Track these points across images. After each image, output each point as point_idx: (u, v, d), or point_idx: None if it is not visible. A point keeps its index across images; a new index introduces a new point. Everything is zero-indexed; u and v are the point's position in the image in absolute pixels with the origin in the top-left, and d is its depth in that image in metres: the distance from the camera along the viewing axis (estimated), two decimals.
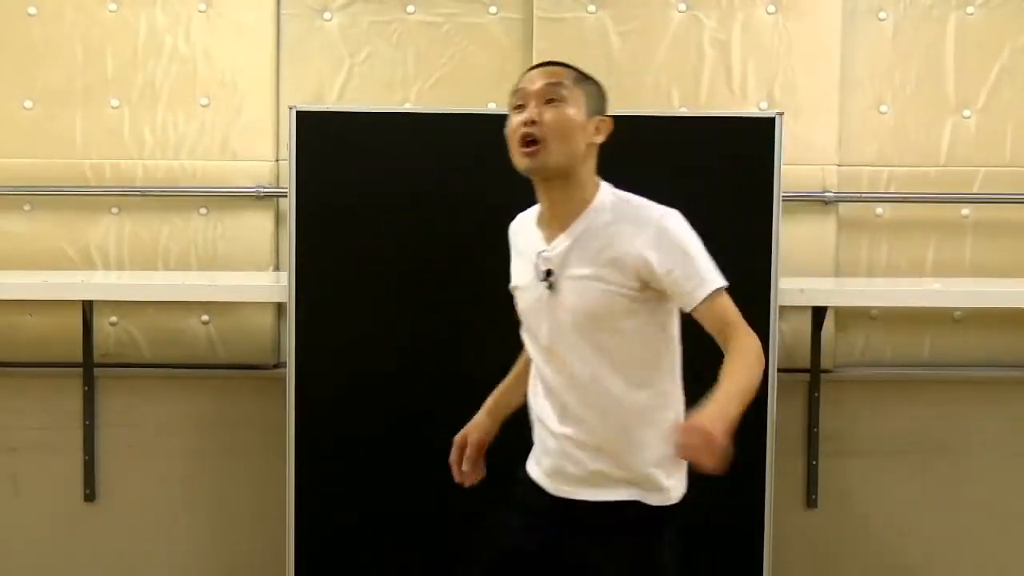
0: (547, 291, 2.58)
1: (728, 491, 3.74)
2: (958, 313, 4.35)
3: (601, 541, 2.60)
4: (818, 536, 4.28)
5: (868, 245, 4.34)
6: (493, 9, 4.29)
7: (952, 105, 4.33)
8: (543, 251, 2.59)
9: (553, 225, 2.60)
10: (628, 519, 2.59)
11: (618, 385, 2.57)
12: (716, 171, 3.70)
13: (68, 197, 4.26)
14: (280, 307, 4.19)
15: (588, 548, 2.61)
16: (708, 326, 2.54)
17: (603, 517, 2.59)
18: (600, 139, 2.62)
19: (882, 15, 4.31)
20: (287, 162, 3.72)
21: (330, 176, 3.70)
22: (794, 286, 3.87)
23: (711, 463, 2.27)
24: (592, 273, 2.54)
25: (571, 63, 2.68)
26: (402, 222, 3.69)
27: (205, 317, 4.27)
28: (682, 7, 4.25)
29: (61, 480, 4.25)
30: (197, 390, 4.24)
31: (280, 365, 4.20)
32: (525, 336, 2.70)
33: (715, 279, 2.53)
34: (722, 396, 2.38)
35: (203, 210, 4.28)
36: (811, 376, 4.21)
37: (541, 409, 2.67)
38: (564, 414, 2.61)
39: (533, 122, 2.53)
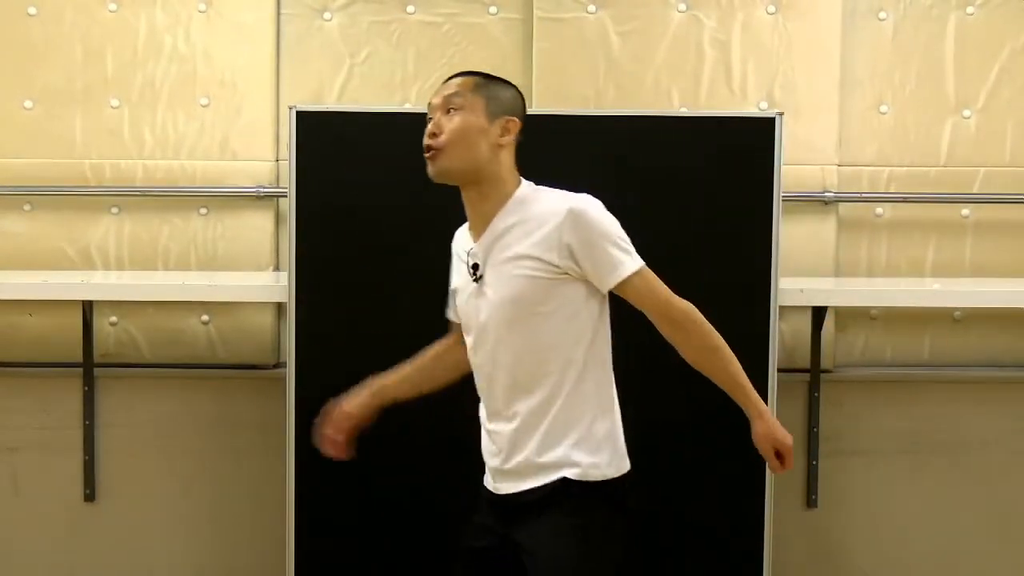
0: (475, 285, 2.69)
1: (728, 491, 3.77)
2: (958, 313, 4.35)
3: (530, 529, 2.63)
4: (818, 536, 4.28)
5: (868, 245, 4.34)
6: (493, 9, 4.29)
7: (952, 105, 4.33)
8: (471, 249, 2.71)
9: (478, 226, 2.71)
10: (553, 499, 2.63)
11: (543, 369, 2.63)
12: (716, 171, 3.70)
13: (68, 197, 4.26)
14: (280, 307, 4.19)
15: (522, 540, 2.64)
16: (634, 303, 2.65)
17: (530, 504, 2.64)
18: (507, 139, 2.70)
19: (882, 15, 4.32)
20: (287, 162, 3.72)
21: (330, 176, 3.70)
22: (794, 286, 3.87)
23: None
24: (512, 261, 2.63)
25: (485, 71, 2.78)
26: (402, 222, 3.68)
27: (205, 317, 4.27)
28: (682, 7, 4.25)
29: (61, 480, 4.25)
30: (197, 390, 4.24)
31: (280, 365, 4.20)
32: (466, 338, 2.78)
33: (631, 260, 2.61)
34: (754, 402, 2.74)
35: (203, 210, 4.28)
36: (811, 376, 4.21)
37: (481, 410, 2.77)
38: (497, 408, 2.70)
39: (434, 134, 2.67)
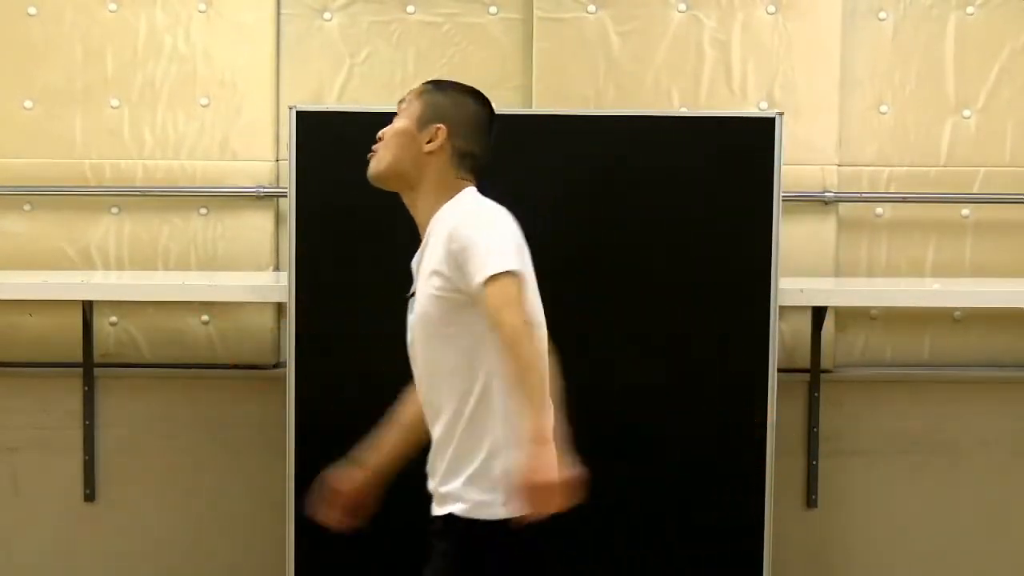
0: (410, 301, 2.61)
1: (728, 491, 3.77)
2: (958, 313, 4.35)
3: (430, 556, 2.54)
4: (818, 536, 4.28)
5: (868, 245, 4.34)
6: (493, 9, 4.29)
7: (952, 105, 4.33)
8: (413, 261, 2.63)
9: (422, 233, 2.61)
10: (445, 531, 2.51)
11: (446, 395, 2.52)
12: (716, 171, 3.70)
13: (68, 197, 4.26)
14: (280, 307, 4.19)
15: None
16: None
17: (432, 532, 2.54)
18: (432, 146, 2.60)
19: (882, 15, 4.31)
20: (287, 162, 3.72)
21: (330, 176, 3.69)
22: (794, 286, 3.87)
23: (559, 505, 2.29)
24: (425, 278, 2.53)
25: (441, 79, 2.77)
26: (402, 222, 3.66)
27: (205, 317, 4.27)
28: (682, 7, 4.25)
29: (61, 480, 4.25)
30: (197, 390, 4.24)
31: (280, 365, 4.20)
32: None
33: (488, 270, 2.39)
34: (525, 438, 2.32)
35: (203, 210, 4.28)
36: (811, 376, 4.21)
37: None
38: (427, 431, 2.60)
39: (380, 138, 2.67)
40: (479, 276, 2.38)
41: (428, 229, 2.57)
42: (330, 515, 2.77)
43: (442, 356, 2.51)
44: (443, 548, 2.50)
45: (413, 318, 2.58)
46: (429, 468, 2.58)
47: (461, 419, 2.49)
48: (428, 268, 2.52)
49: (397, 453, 2.77)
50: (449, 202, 2.57)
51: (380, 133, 2.66)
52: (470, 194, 2.60)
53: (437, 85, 2.70)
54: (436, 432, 2.55)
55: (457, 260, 2.43)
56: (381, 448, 2.78)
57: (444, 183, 2.60)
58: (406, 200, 2.64)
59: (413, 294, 2.60)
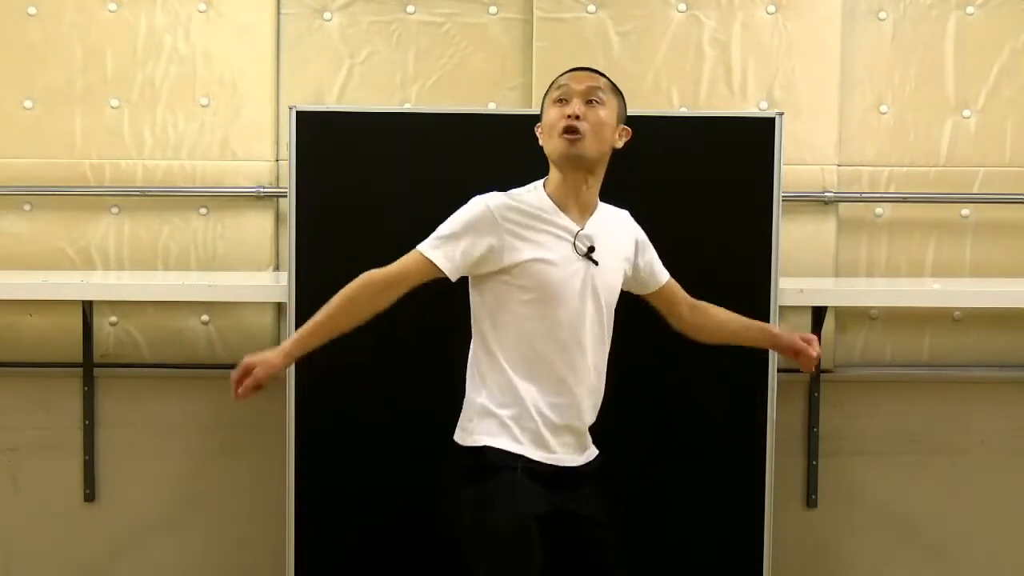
0: (585, 264, 2.86)
1: (728, 491, 3.77)
2: (958, 313, 4.35)
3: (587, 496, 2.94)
4: (818, 536, 4.28)
5: (868, 245, 4.34)
6: (493, 9, 4.29)
7: (952, 105, 4.33)
8: (578, 231, 2.87)
9: (576, 210, 2.89)
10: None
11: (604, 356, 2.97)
12: (716, 171, 3.70)
13: (68, 197, 4.26)
14: (280, 307, 4.19)
15: None
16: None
17: (592, 472, 2.97)
18: (620, 144, 2.97)
19: (882, 15, 4.32)
20: (287, 162, 3.72)
21: (330, 176, 3.70)
22: (794, 286, 3.87)
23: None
24: (618, 259, 3.00)
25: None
26: (402, 222, 3.67)
27: (205, 317, 4.27)
28: (682, 7, 4.25)
29: (61, 480, 4.25)
30: (197, 390, 4.24)
31: None
32: (544, 306, 2.84)
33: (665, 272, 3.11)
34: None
35: (203, 210, 4.28)
36: (811, 376, 4.21)
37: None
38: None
39: (577, 116, 2.84)
40: (665, 275, 3.11)
41: (600, 211, 2.94)
42: (239, 390, 2.85)
43: (611, 321, 2.93)
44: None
45: (602, 284, 2.88)
46: (586, 419, 2.91)
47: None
48: (620, 252, 2.96)
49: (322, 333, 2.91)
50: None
51: (577, 111, 2.84)
52: None
53: (613, 84, 2.97)
54: (596, 386, 2.92)
55: (646, 257, 3.05)
56: (309, 342, 2.88)
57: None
58: (579, 178, 2.88)
59: (589, 254, 2.86)
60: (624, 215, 3.06)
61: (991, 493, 4.30)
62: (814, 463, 4.25)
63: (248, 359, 2.78)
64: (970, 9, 4.31)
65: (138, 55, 4.26)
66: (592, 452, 2.96)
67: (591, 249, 2.85)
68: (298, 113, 3.69)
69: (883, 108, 4.32)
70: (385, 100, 4.27)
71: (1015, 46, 4.32)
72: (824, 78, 4.24)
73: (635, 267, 3.03)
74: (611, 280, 2.92)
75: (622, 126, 2.96)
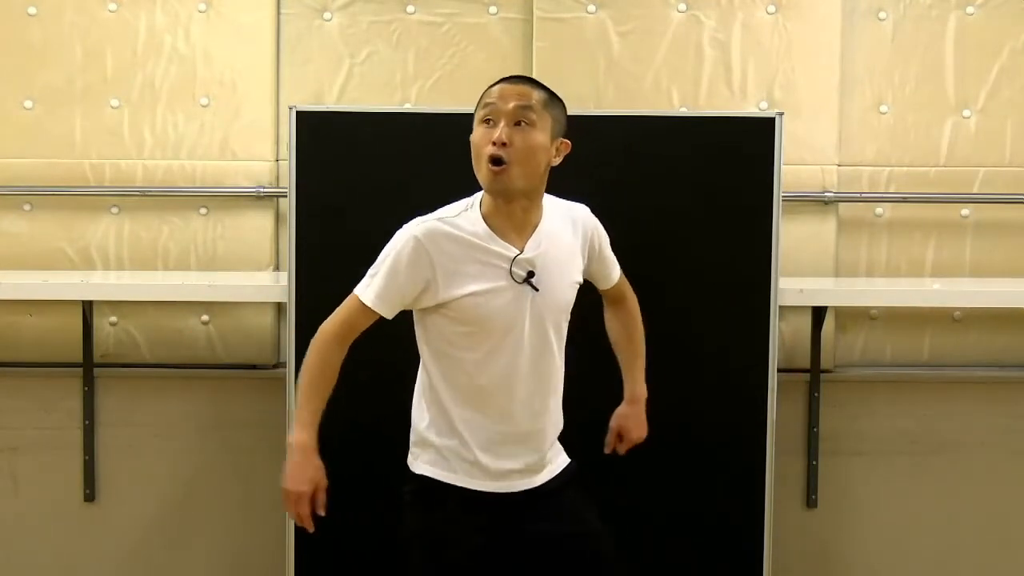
0: (523, 288, 2.73)
1: (728, 491, 3.77)
2: (958, 313, 4.35)
3: (570, 504, 2.92)
4: (818, 536, 4.28)
5: (868, 245, 4.34)
6: (493, 9, 4.29)
7: (952, 105, 4.33)
8: (515, 255, 2.72)
9: (514, 233, 2.74)
10: (576, 476, 2.95)
11: (560, 377, 2.89)
12: (716, 171, 3.70)
13: (68, 197, 4.26)
14: (280, 307, 4.19)
15: None
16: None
17: (563, 481, 2.92)
18: (558, 161, 2.77)
19: (882, 15, 4.32)
20: (287, 162, 3.72)
21: (330, 176, 3.70)
22: (794, 286, 3.87)
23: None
24: (565, 268, 2.86)
25: (539, 81, 2.82)
26: (402, 222, 3.68)
27: (205, 317, 4.27)
28: (682, 7, 4.25)
29: (61, 480, 4.25)
30: (197, 390, 4.24)
31: (280, 365, 4.21)
32: (486, 338, 2.75)
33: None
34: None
35: (203, 210, 4.28)
36: (811, 376, 4.21)
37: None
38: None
39: (503, 143, 2.66)
40: (617, 270, 3.01)
41: (542, 227, 2.77)
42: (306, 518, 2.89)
43: (560, 342, 2.82)
44: (576, 494, 2.90)
45: (547, 307, 2.75)
46: (535, 444, 2.82)
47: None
48: (569, 266, 2.80)
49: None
50: (545, 198, 2.81)
51: (504, 138, 2.67)
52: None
53: (550, 94, 2.77)
54: (551, 408, 2.84)
55: (602, 253, 2.93)
56: (314, 422, 2.88)
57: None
58: (516, 204, 2.73)
59: (529, 279, 2.72)
60: (578, 214, 2.88)
61: (991, 493, 4.30)
62: (814, 463, 4.25)
63: (292, 488, 2.85)
64: (970, 9, 4.31)
65: (138, 55, 4.26)
66: (555, 468, 2.87)
67: (530, 274, 2.72)
68: (298, 113, 3.69)
69: (883, 108, 4.32)
70: (385, 100, 4.27)
71: (1015, 46, 4.32)
72: (824, 78, 4.24)
73: (587, 269, 2.91)
74: (558, 299, 2.79)
75: (560, 140, 2.76)
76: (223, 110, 4.26)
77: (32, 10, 4.25)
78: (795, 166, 4.12)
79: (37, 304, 4.21)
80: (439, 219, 2.76)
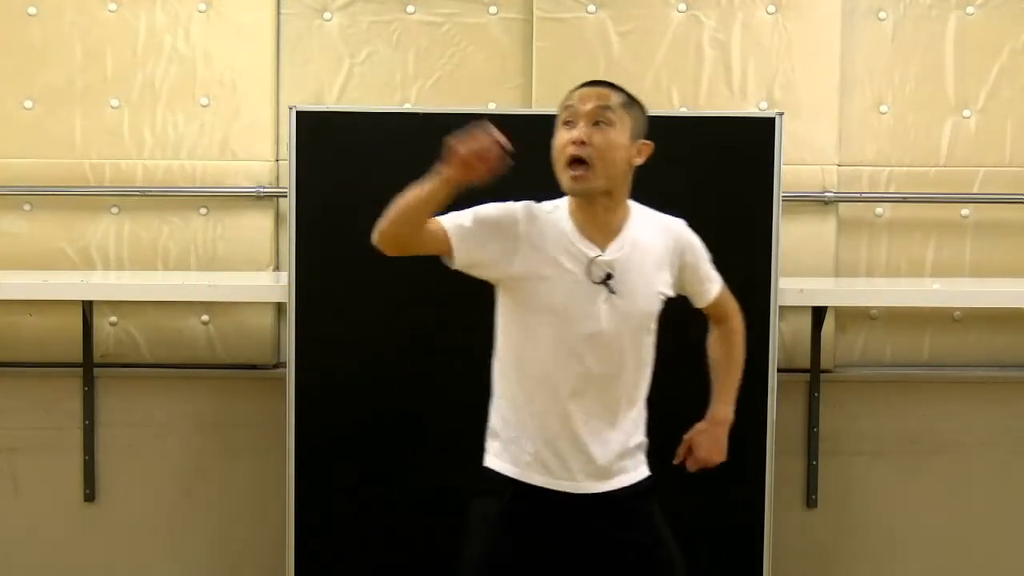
0: (598, 288, 2.70)
1: (728, 491, 3.76)
2: (958, 313, 4.35)
3: (627, 522, 2.87)
4: (818, 536, 4.28)
5: (868, 245, 4.35)
6: (493, 9, 4.29)
7: (952, 105, 4.33)
8: (594, 256, 2.70)
9: (598, 233, 2.72)
10: (652, 490, 2.90)
11: (643, 386, 2.86)
12: (716, 171, 3.70)
13: (68, 197, 4.27)
14: (280, 307, 4.19)
15: None
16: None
17: (636, 496, 2.86)
18: (640, 161, 2.76)
19: (882, 15, 4.32)
20: (287, 162, 3.72)
21: (330, 176, 3.70)
22: (794, 286, 3.87)
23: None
24: (649, 276, 2.79)
25: (620, 85, 2.77)
26: None
27: (205, 317, 4.27)
28: (682, 7, 4.25)
29: (61, 480, 4.25)
30: (197, 390, 4.24)
31: (280, 365, 4.20)
32: (535, 322, 2.72)
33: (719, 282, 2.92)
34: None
35: (203, 210, 4.28)
36: (811, 376, 4.21)
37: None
38: None
39: (583, 143, 2.65)
40: (715, 289, 2.93)
41: (627, 233, 2.74)
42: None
43: (647, 350, 2.79)
44: (652, 507, 2.85)
45: (624, 312, 2.71)
46: (601, 448, 2.74)
47: (642, 407, 2.84)
48: (654, 275, 2.75)
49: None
50: (632, 206, 2.79)
51: (582, 137, 2.65)
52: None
53: (629, 96, 2.75)
54: (620, 417, 2.77)
55: (695, 268, 2.87)
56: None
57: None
58: (598, 203, 2.71)
59: (606, 281, 2.69)
60: (672, 226, 2.86)
61: (991, 493, 4.30)
62: (814, 463, 4.25)
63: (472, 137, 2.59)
64: (970, 9, 4.31)
65: (138, 55, 4.26)
66: (629, 479, 2.80)
67: (608, 276, 2.69)
68: (298, 113, 3.69)
69: (883, 108, 4.32)
70: (385, 100, 4.27)
71: (1015, 46, 4.32)
72: (824, 78, 4.24)
73: (679, 284, 2.85)
74: (639, 306, 2.73)
75: (641, 141, 2.75)
76: (223, 110, 4.26)
77: (32, 10, 4.25)
78: (795, 166, 4.12)
79: (37, 304, 4.21)
80: (537, 207, 2.75)
